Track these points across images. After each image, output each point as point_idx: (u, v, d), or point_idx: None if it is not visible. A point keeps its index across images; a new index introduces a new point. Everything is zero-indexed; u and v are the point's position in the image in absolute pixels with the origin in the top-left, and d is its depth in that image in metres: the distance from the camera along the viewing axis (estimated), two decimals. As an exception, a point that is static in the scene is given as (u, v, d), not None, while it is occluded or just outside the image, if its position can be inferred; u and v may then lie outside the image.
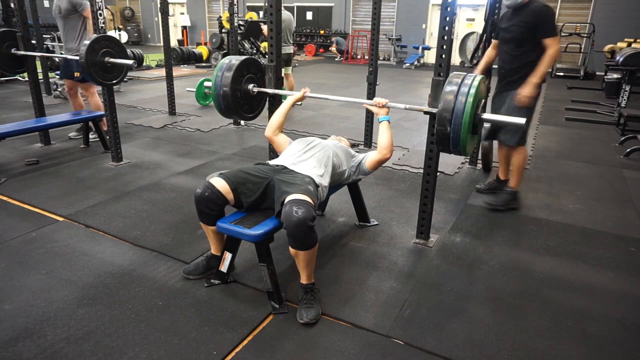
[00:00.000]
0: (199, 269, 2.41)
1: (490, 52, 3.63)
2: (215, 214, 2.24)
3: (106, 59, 3.71)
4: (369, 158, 2.65)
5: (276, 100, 2.99)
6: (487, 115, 2.32)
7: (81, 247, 2.68)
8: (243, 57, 2.84)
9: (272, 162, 2.49)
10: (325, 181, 2.40)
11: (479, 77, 2.26)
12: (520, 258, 2.71)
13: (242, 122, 5.80)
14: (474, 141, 2.42)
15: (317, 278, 2.30)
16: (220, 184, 2.21)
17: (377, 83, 4.67)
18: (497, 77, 3.46)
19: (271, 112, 2.99)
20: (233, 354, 1.88)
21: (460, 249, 2.80)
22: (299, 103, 3.04)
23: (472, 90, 2.19)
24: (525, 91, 3.13)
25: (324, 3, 16.36)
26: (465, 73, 2.31)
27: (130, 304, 2.17)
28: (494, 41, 3.59)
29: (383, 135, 2.56)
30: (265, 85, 2.94)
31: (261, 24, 10.77)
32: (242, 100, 2.87)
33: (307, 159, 2.46)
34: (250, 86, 2.88)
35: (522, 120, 2.24)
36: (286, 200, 2.04)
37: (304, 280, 2.16)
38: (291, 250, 2.06)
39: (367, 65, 4.72)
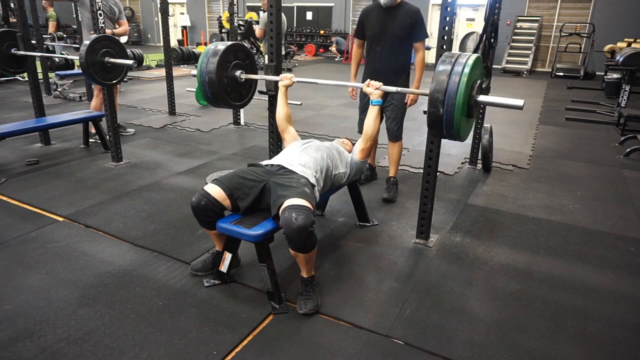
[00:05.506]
0: (207, 265, 2.42)
1: None
2: (215, 219, 2.23)
3: (106, 59, 3.70)
4: (356, 150, 2.66)
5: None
6: (483, 98, 2.17)
7: (81, 247, 2.68)
8: (229, 43, 2.75)
9: (266, 162, 2.46)
10: (319, 183, 2.39)
11: (474, 56, 2.09)
12: (520, 258, 2.71)
13: (242, 122, 5.80)
14: (469, 125, 2.26)
15: (317, 278, 2.30)
16: (216, 191, 2.19)
17: (377, 83, 4.66)
18: None
19: (271, 105, 2.98)
20: (233, 354, 1.88)
21: (460, 249, 2.80)
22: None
23: (467, 70, 2.01)
24: None
25: (324, 3, 16.36)
26: (459, 53, 2.16)
27: (130, 304, 2.17)
28: None
29: (370, 121, 2.55)
30: (253, 72, 2.88)
31: (253, 24, 10.80)
32: (230, 87, 2.78)
33: (303, 158, 2.43)
34: (238, 73, 2.79)
35: (520, 102, 2.09)
36: (284, 206, 2.03)
37: (304, 274, 2.20)
38: (291, 251, 2.08)
39: (367, 65, 4.71)
